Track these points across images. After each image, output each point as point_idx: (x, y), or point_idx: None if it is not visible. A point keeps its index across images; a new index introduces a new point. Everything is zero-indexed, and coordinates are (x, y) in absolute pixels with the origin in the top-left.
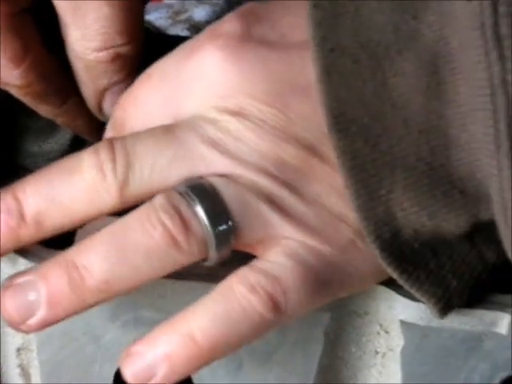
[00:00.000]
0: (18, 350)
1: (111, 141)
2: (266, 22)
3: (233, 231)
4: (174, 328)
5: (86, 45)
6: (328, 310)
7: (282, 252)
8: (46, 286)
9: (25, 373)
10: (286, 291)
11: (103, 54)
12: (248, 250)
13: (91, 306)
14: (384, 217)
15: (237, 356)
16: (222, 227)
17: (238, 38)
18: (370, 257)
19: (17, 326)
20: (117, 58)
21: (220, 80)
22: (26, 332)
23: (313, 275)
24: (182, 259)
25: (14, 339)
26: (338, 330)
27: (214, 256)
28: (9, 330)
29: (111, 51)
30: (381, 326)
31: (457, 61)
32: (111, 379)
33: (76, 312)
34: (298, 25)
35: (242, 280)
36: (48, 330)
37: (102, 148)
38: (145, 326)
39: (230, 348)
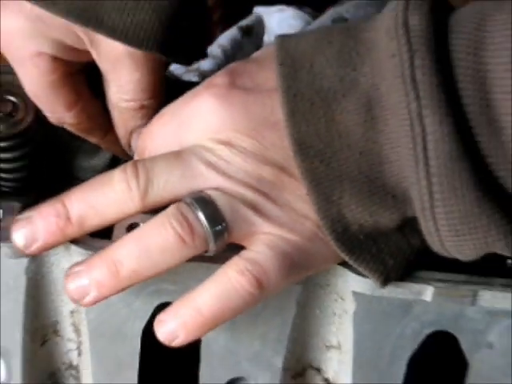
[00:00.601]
0: (72, 312)
1: (135, 162)
2: (246, 75)
3: (226, 230)
4: (187, 305)
5: (120, 97)
6: (299, 283)
7: (263, 243)
8: (94, 276)
9: (76, 329)
10: (267, 273)
11: (132, 104)
12: (238, 242)
13: (127, 287)
14: (336, 216)
15: None
16: (218, 228)
17: (226, 88)
18: (328, 245)
19: (77, 302)
20: (142, 107)
21: (213, 119)
22: (85, 306)
23: (287, 259)
24: (188, 253)
25: (68, 304)
26: (306, 298)
27: (212, 249)
28: (64, 298)
29: (138, 102)
30: (338, 294)
31: (385, 101)
32: (140, 334)
33: (117, 292)
34: (269, 77)
35: (233, 266)
36: None
37: (128, 168)
38: (164, 295)
39: (227, 317)
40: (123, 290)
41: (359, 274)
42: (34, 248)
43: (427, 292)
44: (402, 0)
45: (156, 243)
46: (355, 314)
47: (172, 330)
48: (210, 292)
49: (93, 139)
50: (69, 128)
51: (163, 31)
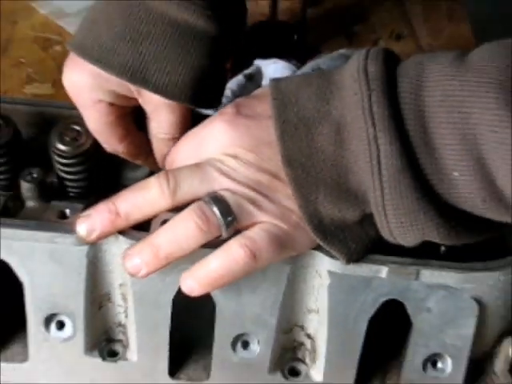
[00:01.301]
0: (120, 285)
1: (166, 171)
2: (248, 107)
3: (234, 220)
4: (202, 268)
5: (158, 130)
6: (289, 263)
7: (259, 228)
8: (143, 257)
9: (124, 297)
10: (261, 248)
11: (167, 136)
12: (242, 229)
13: (166, 265)
14: (313, 212)
15: (238, 288)
16: (229, 219)
17: (233, 115)
18: (308, 232)
19: (133, 276)
20: (174, 139)
21: (224, 138)
22: (140, 278)
23: (276, 240)
24: (207, 238)
25: (117, 280)
26: (294, 275)
27: (225, 235)
28: (114, 275)
29: (171, 135)
30: (317, 272)
31: (350, 127)
32: (170, 302)
33: (159, 269)
34: (265, 108)
35: (236, 241)
36: None
37: (161, 175)
38: None
39: (228, 281)
40: (163, 267)
41: (333, 257)
42: (92, 237)
43: (383, 271)
44: (363, 52)
45: (182, 232)
46: (330, 287)
47: (191, 285)
48: (219, 259)
49: (138, 162)
50: (121, 155)
51: (193, 88)
